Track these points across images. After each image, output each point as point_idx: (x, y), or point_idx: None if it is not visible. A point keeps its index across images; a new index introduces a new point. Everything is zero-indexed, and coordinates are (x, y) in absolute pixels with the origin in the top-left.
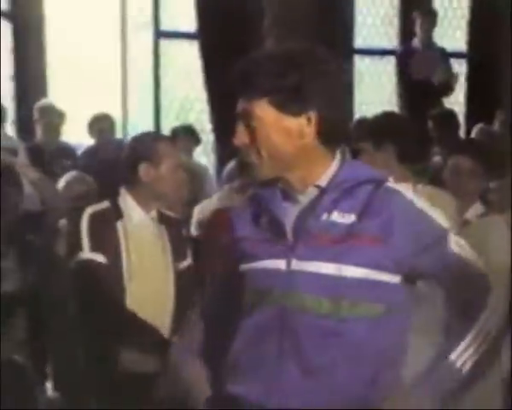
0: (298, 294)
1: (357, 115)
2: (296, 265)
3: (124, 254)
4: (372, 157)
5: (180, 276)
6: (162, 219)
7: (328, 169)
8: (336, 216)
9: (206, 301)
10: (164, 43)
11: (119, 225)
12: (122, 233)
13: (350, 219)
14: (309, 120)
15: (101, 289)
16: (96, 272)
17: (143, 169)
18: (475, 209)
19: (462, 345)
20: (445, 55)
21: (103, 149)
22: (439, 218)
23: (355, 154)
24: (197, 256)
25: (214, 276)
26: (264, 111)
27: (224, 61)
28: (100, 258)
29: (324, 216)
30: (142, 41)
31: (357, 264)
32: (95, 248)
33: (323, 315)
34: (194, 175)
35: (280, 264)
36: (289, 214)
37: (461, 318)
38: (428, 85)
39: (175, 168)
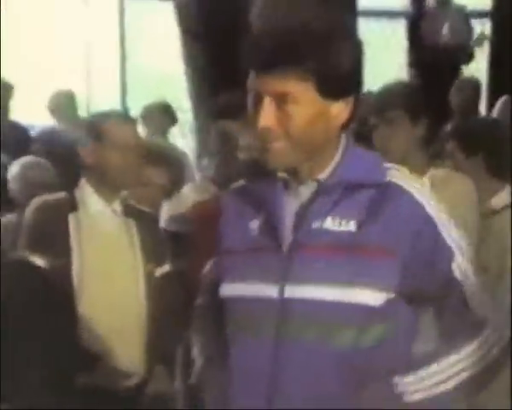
0: (294, 325)
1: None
2: (291, 291)
3: (75, 253)
4: (406, 131)
5: (157, 283)
6: (130, 212)
7: (332, 160)
8: (332, 223)
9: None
10: (132, 4)
11: (72, 217)
12: (74, 227)
13: (349, 226)
14: (347, 104)
15: (37, 297)
16: (32, 277)
17: (84, 150)
18: (501, 197)
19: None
20: (465, 15)
21: (63, 131)
22: (450, 231)
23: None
24: (178, 257)
25: (208, 284)
26: (307, 94)
27: (207, 26)
28: (38, 260)
29: (318, 223)
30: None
31: (364, 285)
32: (35, 246)
33: (326, 346)
34: (170, 161)
35: (271, 290)
36: (288, 215)
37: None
38: (444, 52)
39: (120, 149)
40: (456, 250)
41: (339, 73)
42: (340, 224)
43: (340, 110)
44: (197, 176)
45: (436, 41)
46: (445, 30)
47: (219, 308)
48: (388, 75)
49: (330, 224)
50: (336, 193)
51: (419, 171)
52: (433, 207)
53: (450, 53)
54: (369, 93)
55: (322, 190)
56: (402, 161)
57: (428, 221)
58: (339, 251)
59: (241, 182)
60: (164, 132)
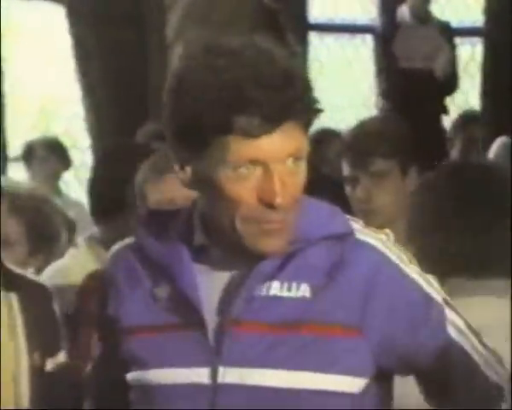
0: None
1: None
2: (225, 376)
3: None
4: (396, 183)
5: (48, 379)
6: (10, 282)
7: None
8: (280, 288)
9: None
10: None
11: None
12: None
13: (302, 291)
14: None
15: None
16: None
17: None
18: None
19: None
20: (449, 32)
21: None
22: (433, 287)
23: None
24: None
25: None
26: (306, 145)
27: (111, 33)
28: None
29: (261, 289)
30: None
31: (315, 369)
32: None
33: None
34: (23, 208)
35: (200, 376)
36: (210, 289)
37: None
38: (423, 77)
39: None
40: (445, 304)
41: (311, 101)
42: (290, 289)
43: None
44: (79, 239)
45: (412, 65)
46: (424, 51)
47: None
48: (350, 107)
49: (278, 290)
50: (284, 253)
51: None
52: (406, 262)
53: (430, 80)
54: (336, 133)
55: None
56: (390, 223)
57: (408, 281)
58: (289, 325)
59: (130, 239)
60: (53, 178)
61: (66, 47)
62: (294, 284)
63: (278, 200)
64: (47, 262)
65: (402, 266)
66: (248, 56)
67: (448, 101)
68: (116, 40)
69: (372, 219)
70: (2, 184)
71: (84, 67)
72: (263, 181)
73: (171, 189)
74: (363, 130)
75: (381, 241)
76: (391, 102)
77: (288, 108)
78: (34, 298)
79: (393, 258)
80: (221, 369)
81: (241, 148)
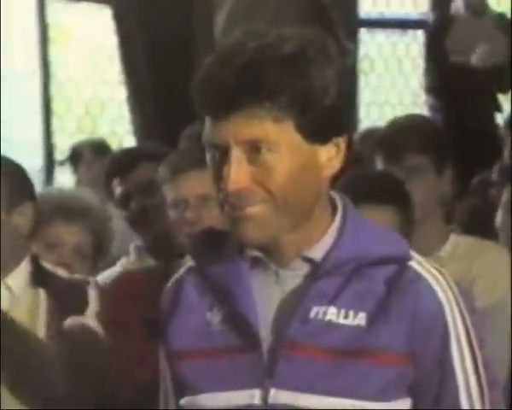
0: None
1: (364, 123)
2: (276, 397)
3: None
4: (430, 180)
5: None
6: (39, 279)
7: (328, 232)
8: (337, 314)
9: None
10: (54, 4)
11: None
12: None
13: (358, 320)
14: (338, 148)
15: None
16: None
17: None
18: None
19: None
20: (505, 26)
21: None
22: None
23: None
24: None
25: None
26: (286, 138)
27: (158, 34)
28: None
29: (317, 313)
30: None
31: (370, 396)
32: None
33: None
34: (86, 214)
35: (252, 397)
36: (264, 305)
37: None
38: (475, 73)
39: None
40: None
41: (323, 105)
42: (347, 316)
43: (330, 157)
44: (131, 246)
45: (465, 60)
46: (478, 46)
47: None
48: (399, 105)
49: (335, 316)
50: (341, 275)
51: (439, 237)
52: (458, 308)
53: (483, 76)
54: (372, 130)
55: (321, 271)
56: (420, 224)
57: (446, 325)
58: (343, 352)
59: (189, 263)
60: (99, 181)
61: (112, 48)
62: (352, 313)
63: (231, 183)
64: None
65: (447, 309)
66: (236, 46)
67: (502, 98)
68: (163, 41)
69: (421, 213)
70: (54, 192)
71: (130, 68)
72: (222, 166)
73: (183, 188)
74: (397, 125)
75: (439, 281)
76: (441, 98)
77: (247, 89)
78: (61, 293)
79: (446, 304)
80: (272, 391)
81: (208, 129)
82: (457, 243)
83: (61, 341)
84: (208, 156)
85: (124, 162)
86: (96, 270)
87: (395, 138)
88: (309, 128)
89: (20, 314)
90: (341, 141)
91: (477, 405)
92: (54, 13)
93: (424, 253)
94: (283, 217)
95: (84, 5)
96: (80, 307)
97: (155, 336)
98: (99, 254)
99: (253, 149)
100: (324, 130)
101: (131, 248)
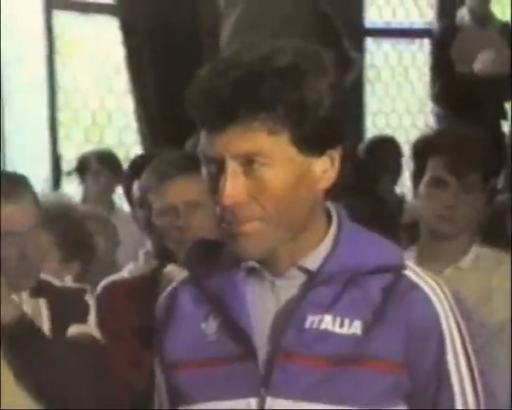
0: None
1: (370, 131)
2: (272, 406)
3: None
4: (478, 199)
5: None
6: (40, 290)
7: (323, 241)
8: (332, 323)
9: None
10: (60, 16)
11: None
12: None
13: (354, 328)
14: (332, 160)
15: None
16: None
17: None
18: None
19: None
20: (509, 33)
21: None
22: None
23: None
24: None
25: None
26: (281, 151)
27: (166, 45)
28: None
29: (313, 322)
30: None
31: (366, 404)
32: None
33: None
34: (81, 222)
35: (247, 406)
36: (259, 315)
37: None
38: (481, 82)
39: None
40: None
41: (318, 117)
42: (342, 325)
43: (325, 169)
44: (141, 252)
45: (470, 69)
46: (483, 55)
47: None
48: (406, 113)
49: (330, 325)
50: (337, 284)
51: (462, 249)
52: (450, 314)
53: (489, 85)
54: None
55: (317, 281)
56: (457, 234)
57: (441, 336)
58: (339, 361)
59: (185, 274)
60: (107, 191)
61: (119, 59)
62: (347, 321)
63: (227, 198)
64: (85, 270)
65: (446, 325)
66: (233, 59)
67: (508, 106)
68: (170, 52)
69: (447, 226)
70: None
71: (137, 78)
72: (218, 179)
73: (171, 194)
74: (463, 137)
75: (434, 290)
76: (447, 107)
77: (241, 101)
78: (62, 303)
79: (442, 313)
80: (269, 399)
81: (203, 143)
82: (479, 254)
83: (65, 349)
84: (204, 169)
85: (144, 166)
86: (88, 273)
87: (463, 151)
88: (303, 140)
89: None
90: (336, 153)
91: None
92: (61, 24)
93: (446, 263)
94: (278, 231)
95: (91, 16)
96: (80, 315)
97: (149, 344)
98: (81, 256)
99: (249, 162)
100: (319, 142)
101: (141, 253)
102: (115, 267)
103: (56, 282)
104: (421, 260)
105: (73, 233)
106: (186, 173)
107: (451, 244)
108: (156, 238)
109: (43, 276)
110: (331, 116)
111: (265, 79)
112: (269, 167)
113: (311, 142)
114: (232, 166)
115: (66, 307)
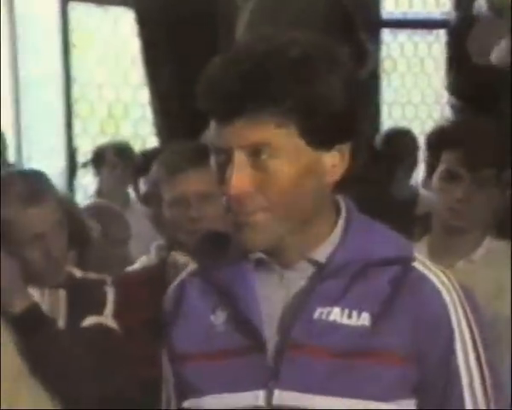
0: None
1: (386, 123)
2: (281, 399)
3: None
4: (494, 196)
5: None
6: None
7: (332, 234)
8: (340, 315)
9: None
10: (76, 8)
11: None
12: None
13: (362, 320)
14: (342, 154)
15: None
16: None
17: None
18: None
19: None
20: None
21: None
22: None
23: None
24: None
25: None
26: (289, 143)
27: (181, 37)
28: None
29: (322, 313)
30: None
31: (374, 397)
32: None
33: None
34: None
35: (256, 398)
36: (268, 307)
37: None
38: (497, 74)
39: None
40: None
41: (328, 112)
42: (351, 316)
43: (334, 163)
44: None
45: (486, 61)
46: (501, 46)
47: None
48: (422, 105)
49: (338, 316)
50: (346, 276)
51: (476, 241)
52: (459, 305)
53: (506, 77)
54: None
55: (326, 273)
56: (468, 230)
57: (450, 328)
58: (347, 352)
59: (193, 266)
60: (123, 184)
61: (134, 51)
62: (355, 313)
63: (234, 188)
64: (83, 260)
65: (455, 317)
66: (245, 49)
67: None
68: (186, 43)
69: (458, 220)
70: None
71: (153, 70)
72: (225, 169)
73: (183, 186)
74: (477, 132)
75: (443, 282)
76: (463, 99)
77: (251, 93)
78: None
79: (451, 304)
80: (277, 392)
81: (212, 133)
82: (491, 248)
83: (79, 340)
84: (213, 159)
85: (151, 161)
86: (84, 260)
87: (475, 145)
88: (312, 134)
89: None
90: (346, 148)
91: (481, 405)
92: (76, 16)
93: (458, 257)
94: (285, 223)
95: (107, 8)
96: (98, 307)
97: (159, 337)
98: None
99: (256, 153)
100: (328, 136)
101: (152, 247)
102: (127, 261)
103: (77, 273)
104: (433, 253)
105: (72, 223)
106: (197, 165)
107: (464, 238)
108: (167, 231)
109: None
110: (342, 111)
111: (275, 71)
112: (276, 159)
113: (321, 136)
114: (239, 157)
115: (85, 297)
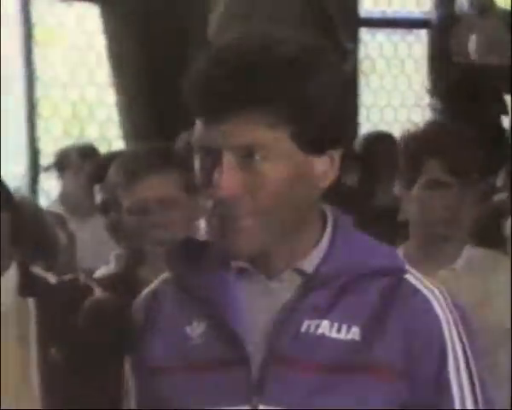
0: None
1: (364, 126)
2: None
3: None
4: (475, 198)
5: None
6: (28, 287)
7: (319, 243)
8: (329, 328)
9: None
10: (38, 3)
11: None
12: None
13: (351, 334)
14: (332, 160)
15: None
16: None
17: None
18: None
19: None
20: (509, 24)
21: None
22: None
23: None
24: None
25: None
26: (280, 146)
27: (150, 32)
28: None
29: (309, 326)
30: None
31: None
32: None
33: None
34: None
35: None
36: (251, 318)
37: None
38: (480, 74)
39: None
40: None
41: (320, 115)
42: (340, 330)
43: (325, 168)
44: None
45: (468, 60)
46: (482, 44)
47: None
48: (402, 107)
49: (327, 330)
50: (334, 287)
51: (455, 250)
52: (451, 320)
53: (489, 77)
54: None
55: (314, 283)
56: (444, 241)
57: (443, 345)
58: (336, 367)
59: (166, 274)
60: (87, 188)
61: (100, 48)
62: (345, 326)
63: (224, 190)
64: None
65: (445, 328)
66: (229, 48)
67: (508, 99)
68: (153, 41)
69: (448, 229)
70: None
71: (119, 69)
72: (212, 171)
73: (144, 193)
74: (464, 137)
75: (435, 295)
76: (446, 100)
77: (241, 93)
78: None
79: (443, 319)
80: (261, 408)
81: (198, 132)
82: (472, 255)
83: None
84: (197, 160)
85: (106, 169)
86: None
87: (460, 151)
88: (305, 137)
89: (10, 330)
90: (336, 154)
91: None
92: (39, 12)
93: (438, 265)
94: (273, 229)
95: (71, 3)
96: (75, 307)
97: (123, 348)
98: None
99: (246, 154)
100: (320, 140)
101: (112, 256)
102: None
103: (51, 278)
104: (409, 262)
105: (34, 232)
106: (158, 172)
107: (445, 246)
108: (127, 240)
109: (39, 271)
110: (334, 114)
111: (267, 70)
112: (267, 161)
113: (313, 139)
114: (228, 159)
115: (60, 304)
